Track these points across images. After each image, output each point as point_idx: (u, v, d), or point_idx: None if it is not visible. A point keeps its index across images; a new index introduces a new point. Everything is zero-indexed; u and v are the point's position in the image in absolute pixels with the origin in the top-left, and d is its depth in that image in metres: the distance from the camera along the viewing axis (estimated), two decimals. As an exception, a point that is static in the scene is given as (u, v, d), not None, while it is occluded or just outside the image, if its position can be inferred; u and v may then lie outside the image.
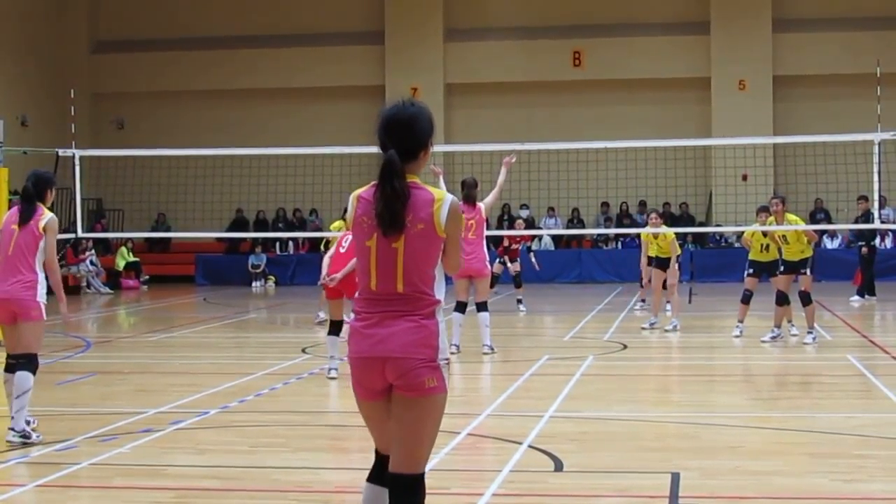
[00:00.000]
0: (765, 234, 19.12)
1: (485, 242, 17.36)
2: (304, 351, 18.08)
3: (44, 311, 10.91)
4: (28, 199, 11.00)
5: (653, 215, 21.74)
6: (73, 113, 29.06)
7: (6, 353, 11.12)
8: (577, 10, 38.20)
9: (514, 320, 23.72)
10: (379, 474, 5.99)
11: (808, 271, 18.88)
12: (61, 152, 23.41)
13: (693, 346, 19.32)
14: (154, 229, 37.82)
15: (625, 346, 18.32)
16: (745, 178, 32.96)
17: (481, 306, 17.42)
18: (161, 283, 36.30)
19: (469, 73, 38.40)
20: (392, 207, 5.70)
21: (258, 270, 36.21)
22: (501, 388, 14.12)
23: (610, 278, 33.89)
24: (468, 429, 11.24)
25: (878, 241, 34.44)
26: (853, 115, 32.06)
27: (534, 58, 38.08)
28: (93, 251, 34.96)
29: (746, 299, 19.32)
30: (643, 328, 20.68)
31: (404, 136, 5.79)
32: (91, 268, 34.58)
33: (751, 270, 19.39)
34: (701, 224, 36.33)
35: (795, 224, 19.04)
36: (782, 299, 18.82)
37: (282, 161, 31.51)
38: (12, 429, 10.67)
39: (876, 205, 22.89)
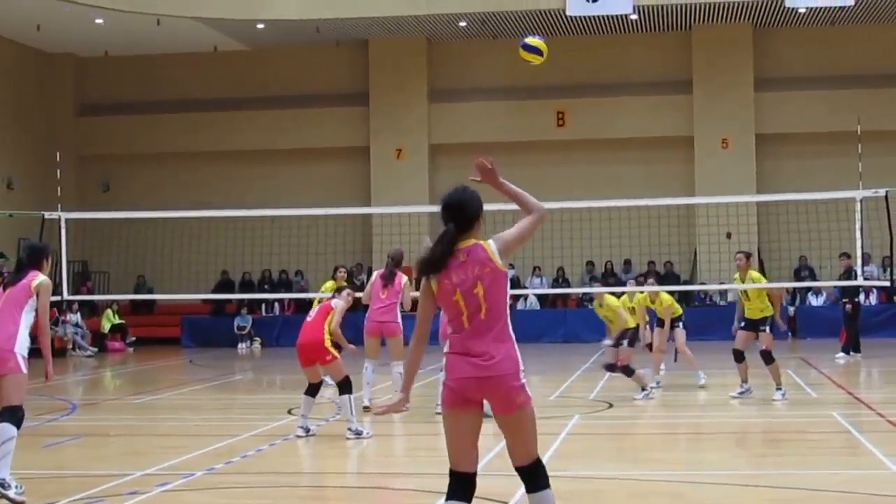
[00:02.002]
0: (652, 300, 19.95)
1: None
2: (290, 412, 18.06)
3: (24, 364, 10.96)
4: (20, 269, 11.20)
5: (650, 280, 21.90)
6: (58, 175, 29.12)
7: None
8: (560, 71, 38.34)
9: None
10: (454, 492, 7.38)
11: (767, 329, 18.96)
12: (47, 215, 23.46)
13: (679, 404, 19.33)
14: (136, 291, 37.78)
15: (610, 405, 18.34)
16: (729, 235, 33.10)
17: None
18: (147, 345, 36.23)
19: (453, 134, 38.54)
20: (437, 259, 7.31)
21: (244, 332, 36.16)
22: (487, 446, 14.09)
23: (596, 337, 33.76)
24: (455, 488, 11.22)
25: (862, 297, 34.61)
26: (835, 173, 32.23)
27: (517, 118, 38.27)
28: (78, 313, 34.90)
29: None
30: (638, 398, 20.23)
31: (458, 215, 7.37)
32: (77, 330, 34.51)
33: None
34: (686, 282, 36.42)
35: (758, 281, 19.11)
36: (738, 357, 18.94)
37: (267, 222, 31.63)
38: None
39: (859, 262, 22.99)
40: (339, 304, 15.34)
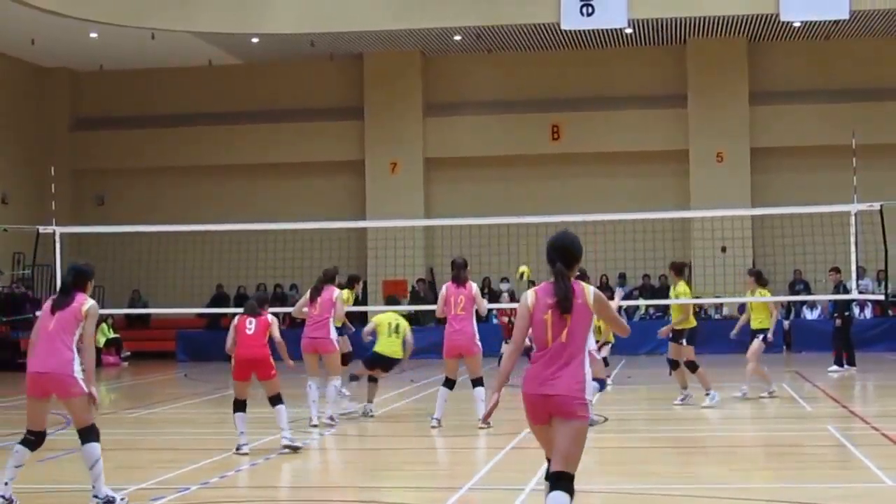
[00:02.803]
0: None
1: (474, 320, 17.63)
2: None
3: (84, 384, 11.16)
4: (66, 291, 11.33)
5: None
6: (53, 190, 29.11)
7: (27, 428, 11.38)
8: (556, 85, 38.46)
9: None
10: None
11: (684, 342, 19.89)
12: (42, 229, 23.46)
13: (675, 417, 19.31)
14: (131, 305, 37.74)
15: (606, 419, 18.32)
16: (724, 249, 33.11)
17: (476, 382, 17.53)
18: (142, 359, 36.17)
19: (448, 148, 38.57)
20: (566, 297, 8.50)
21: (238, 346, 36.08)
22: (483, 461, 14.11)
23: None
24: (450, 502, 11.23)
25: (857, 311, 34.65)
26: (830, 187, 32.27)
27: (513, 132, 38.27)
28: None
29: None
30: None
31: (565, 255, 8.72)
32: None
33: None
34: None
35: (685, 296, 20.33)
36: (673, 365, 20.09)
37: (262, 236, 31.59)
38: (96, 496, 11.09)
39: (853, 275, 23.00)
40: (275, 318, 15.55)
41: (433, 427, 17.33)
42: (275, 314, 16.03)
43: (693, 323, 20.09)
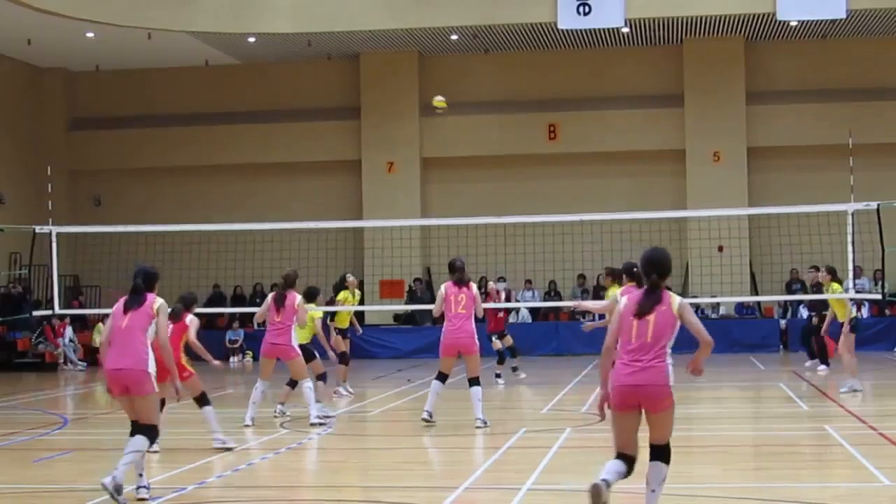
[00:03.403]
0: None
1: (473, 320, 17.62)
2: (282, 426, 18.05)
3: (155, 383, 11.56)
4: (138, 292, 11.84)
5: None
6: (49, 190, 29.10)
7: (131, 420, 11.68)
8: (552, 85, 38.45)
9: (491, 393, 23.70)
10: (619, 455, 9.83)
11: None
12: (38, 229, 23.46)
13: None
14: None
15: (602, 419, 18.31)
16: (720, 249, 33.12)
17: (473, 381, 17.54)
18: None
19: (445, 148, 38.56)
20: (651, 303, 9.75)
21: (236, 346, 36.13)
22: (479, 461, 14.11)
23: (587, 350, 33.80)
24: (446, 503, 11.22)
25: (854, 310, 34.62)
26: (827, 186, 32.28)
27: (509, 132, 38.27)
28: (70, 328, 34.84)
29: None
30: None
31: (661, 268, 9.98)
32: (69, 344, 34.44)
33: None
34: (678, 296, 36.40)
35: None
36: None
37: (258, 236, 31.60)
38: (114, 478, 11.14)
39: (850, 275, 23.05)
40: (195, 319, 15.90)
41: (424, 420, 17.37)
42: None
43: None
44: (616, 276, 20.33)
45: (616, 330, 9.80)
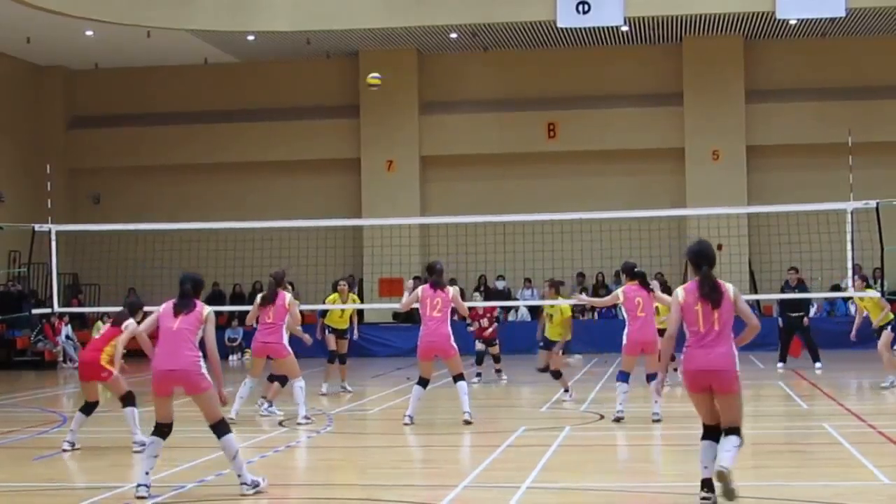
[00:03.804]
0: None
1: (449, 323, 17.77)
2: (280, 423, 18.06)
3: (210, 379, 11.96)
4: (186, 296, 12.36)
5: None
6: (49, 188, 29.08)
7: (157, 422, 12.08)
8: (551, 83, 38.45)
9: (490, 391, 23.71)
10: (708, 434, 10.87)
11: (560, 352, 21.29)
12: (38, 228, 23.46)
13: (670, 415, 19.30)
14: (125, 304, 37.63)
15: (601, 417, 18.33)
16: (720, 247, 33.07)
17: (458, 377, 17.60)
18: (137, 358, 35.99)
19: (444, 146, 38.55)
20: (715, 293, 10.75)
21: (235, 344, 36.12)
22: (478, 459, 14.11)
23: (586, 349, 33.80)
24: (445, 501, 11.22)
25: (852, 310, 34.69)
26: (826, 185, 32.28)
27: (509, 130, 38.26)
28: (69, 326, 34.84)
29: None
30: None
31: (709, 259, 10.90)
32: (68, 342, 34.44)
33: None
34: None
35: (567, 310, 21.80)
36: (554, 375, 20.98)
37: (258, 234, 31.59)
38: (244, 483, 11.81)
39: (849, 273, 23.08)
40: (132, 325, 15.83)
41: (405, 424, 17.42)
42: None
43: (569, 336, 21.69)
44: (557, 287, 21.07)
45: (678, 320, 10.81)
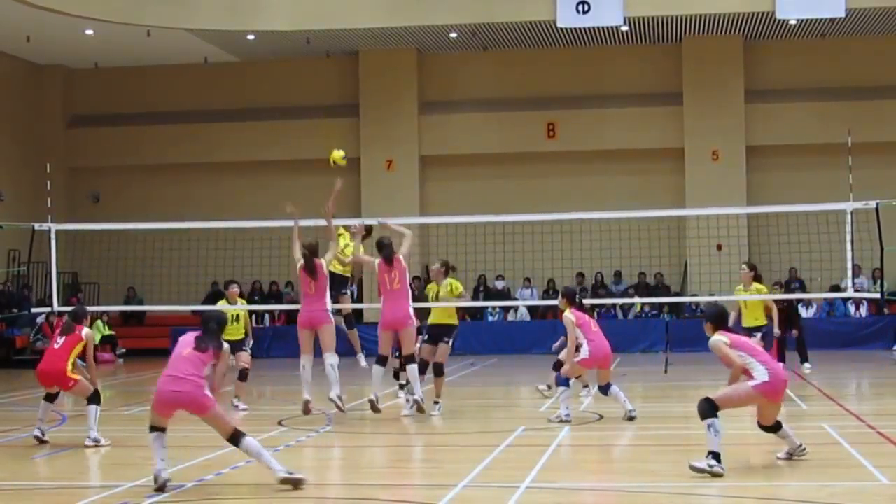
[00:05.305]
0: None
1: (409, 294, 18.23)
2: (280, 423, 18.06)
3: (212, 398, 12.21)
4: (211, 335, 12.59)
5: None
6: (48, 187, 29.06)
7: (152, 425, 12.41)
8: (551, 83, 38.45)
9: (489, 391, 23.70)
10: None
11: (450, 341, 19.43)
12: (37, 227, 23.42)
13: (669, 415, 19.33)
14: (126, 302, 37.69)
15: (601, 417, 18.33)
16: (719, 247, 33.11)
17: (408, 359, 18.14)
18: (137, 357, 36.14)
19: (444, 146, 38.56)
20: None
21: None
22: (477, 459, 14.10)
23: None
24: (444, 501, 11.22)
25: (852, 310, 34.77)
26: (826, 185, 32.26)
27: (508, 129, 38.27)
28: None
29: None
30: None
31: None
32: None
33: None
34: (676, 294, 36.46)
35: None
36: (437, 370, 19.40)
37: (257, 234, 31.54)
38: (279, 474, 11.98)
39: (849, 273, 23.06)
40: (91, 333, 16.13)
41: (370, 400, 17.82)
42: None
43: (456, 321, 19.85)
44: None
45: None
